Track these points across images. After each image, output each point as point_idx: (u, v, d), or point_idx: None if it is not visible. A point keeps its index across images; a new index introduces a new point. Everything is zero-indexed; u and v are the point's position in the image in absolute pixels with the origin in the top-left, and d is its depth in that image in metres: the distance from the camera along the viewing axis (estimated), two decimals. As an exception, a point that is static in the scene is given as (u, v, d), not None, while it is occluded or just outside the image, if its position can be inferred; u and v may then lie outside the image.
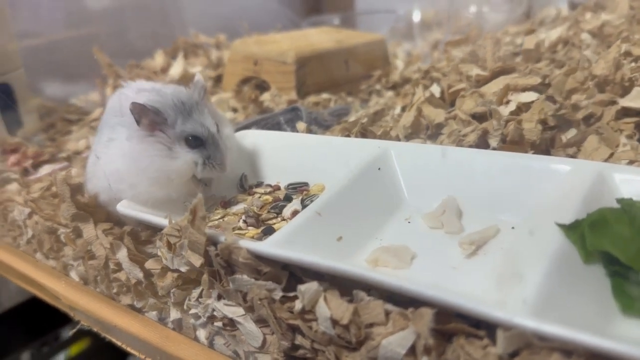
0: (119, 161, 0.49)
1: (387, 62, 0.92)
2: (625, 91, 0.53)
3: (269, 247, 0.37)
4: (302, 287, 0.35)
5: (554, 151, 0.49)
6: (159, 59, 0.98)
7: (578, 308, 0.30)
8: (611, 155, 0.46)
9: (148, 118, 0.47)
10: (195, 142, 0.48)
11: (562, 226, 0.33)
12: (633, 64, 0.55)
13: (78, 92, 1.03)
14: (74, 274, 0.56)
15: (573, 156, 0.48)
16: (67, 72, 1.06)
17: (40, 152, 0.76)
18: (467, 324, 0.31)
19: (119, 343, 0.50)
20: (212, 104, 0.55)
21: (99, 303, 0.51)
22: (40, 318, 1.06)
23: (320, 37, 0.92)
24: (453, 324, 0.30)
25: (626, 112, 0.51)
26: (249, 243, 0.38)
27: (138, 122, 0.47)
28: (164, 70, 0.94)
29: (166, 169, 0.48)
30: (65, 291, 0.55)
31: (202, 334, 0.44)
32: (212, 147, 0.49)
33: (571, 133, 0.51)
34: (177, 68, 0.92)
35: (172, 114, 0.48)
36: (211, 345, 0.43)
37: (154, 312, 0.47)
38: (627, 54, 0.58)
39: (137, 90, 0.52)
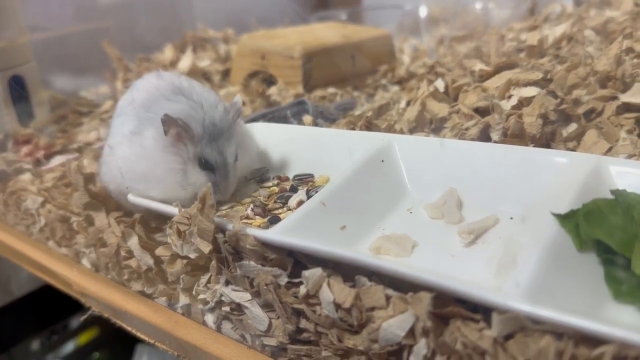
0: (138, 163, 0.49)
1: (393, 57, 0.93)
2: (627, 87, 0.53)
3: (275, 234, 0.39)
4: (306, 273, 0.36)
5: (554, 145, 0.50)
6: (168, 53, 0.99)
7: (571, 293, 0.32)
8: (610, 149, 0.47)
9: (177, 131, 0.48)
10: (206, 166, 0.49)
11: (557, 216, 0.35)
12: (635, 60, 0.56)
13: (88, 85, 1.04)
14: (85, 261, 0.57)
15: (573, 149, 0.49)
16: (77, 65, 1.07)
17: (52, 143, 0.78)
18: (464, 308, 0.32)
19: (129, 328, 0.52)
20: (242, 122, 0.55)
21: (110, 289, 0.53)
22: (49, 307, 1.07)
23: (327, 32, 0.93)
24: (450, 307, 0.32)
25: (627, 107, 0.52)
26: (256, 230, 0.39)
27: (166, 132, 0.48)
28: (173, 63, 0.95)
29: (179, 182, 0.49)
30: (77, 278, 0.56)
31: (210, 318, 0.45)
32: (220, 176, 0.50)
33: (572, 127, 0.52)
34: (185, 62, 0.93)
35: (200, 133, 0.49)
36: (219, 329, 0.45)
37: (164, 298, 0.49)
38: (629, 50, 0.59)
39: (172, 90, 0.51)
